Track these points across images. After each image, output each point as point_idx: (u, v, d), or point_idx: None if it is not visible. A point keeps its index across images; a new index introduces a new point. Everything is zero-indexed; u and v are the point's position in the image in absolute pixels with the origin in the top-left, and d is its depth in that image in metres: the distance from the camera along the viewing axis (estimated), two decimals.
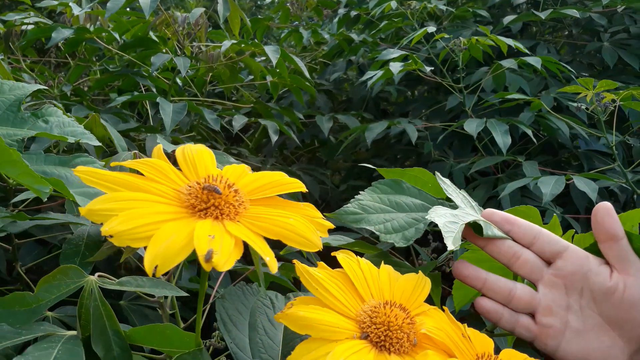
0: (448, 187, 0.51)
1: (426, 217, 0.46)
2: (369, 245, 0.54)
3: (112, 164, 0.39)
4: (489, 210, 0.49)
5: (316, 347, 0.37)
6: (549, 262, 0.47)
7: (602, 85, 0.89)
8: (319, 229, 0.38)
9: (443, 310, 0.45)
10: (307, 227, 0.36)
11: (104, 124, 0.78)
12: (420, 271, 0.46)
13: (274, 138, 1.03)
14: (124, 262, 0.65)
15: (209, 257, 0.31)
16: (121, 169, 0.40)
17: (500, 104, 1.18)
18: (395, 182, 0.53)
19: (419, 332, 0.39)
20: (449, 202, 0.52)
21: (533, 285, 0.48)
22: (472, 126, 1.03)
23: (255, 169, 1.23)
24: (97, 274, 0.46)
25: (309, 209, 0.40)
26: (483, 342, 0.43)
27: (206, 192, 0.36)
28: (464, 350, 0.41)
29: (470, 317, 0.90)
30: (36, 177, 0.44)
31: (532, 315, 0.47)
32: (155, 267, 0.31)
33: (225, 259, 0.31)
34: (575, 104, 0.94)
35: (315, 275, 0.40)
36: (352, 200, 0.51)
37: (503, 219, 0.48)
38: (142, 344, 0.46)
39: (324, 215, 0.41)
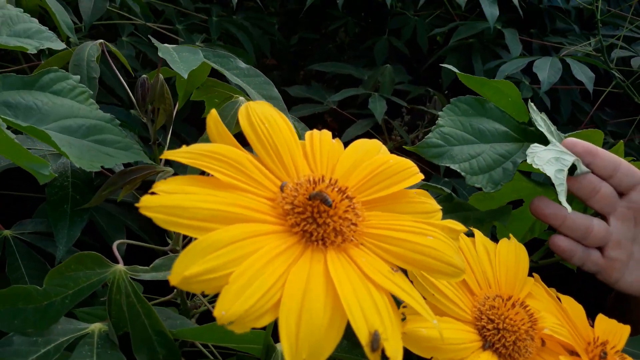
0: (537, 115, 0.46)
1: (527, 159, 0.40)
2: (432, 186, 0.46)
3: (164, 155, 0.26)
4: (572, 140, 0.45)
5: None
6: (621, 194, 0.45)
7: None
8: (452, 235, 0.30)
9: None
10: (451, 246, 0.28)
11: None
12: (512, 236, 0.40)
13: None
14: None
15: (377, 346, 0.22)
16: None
17: None
18: (477, 101, 0.47)
19: (542, 332, 0.34)
20: (529, 127, 0.48)
21: (603, 218, 0.45)
22: None
23: (201, 21, 1.06)
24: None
25: (425, 199, 0.31)
26: (577, 312, 0.40)
27: (316, 205, 0.26)
28: (576, 339, 0.37)
29: None
30: (31, 157, 0.31)
31: (600, 249, 0.45)
32: None
33: (397, 346, 0.23)
34: None
35: (430, 278, 0.32)
36: (432, 128, 0.45)
37: (585, 150, 0.44)
38: (196, 340, 0.38)
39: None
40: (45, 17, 0.71)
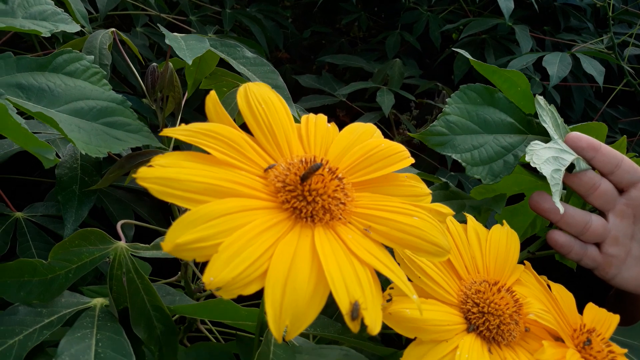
0: (543, 111, 0.46)
1: (526, 156, 0.41)
2: (427, 175, 0.47)
3: (163, 132, 0.27)
4: (576, 134, 0.45)
5: (427, 351, 0.32)
6: (621, 191, 0.45)
7: None
8: (439, 218, 0.31)
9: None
10: (437, 227, 0.29)
11: None
12: (505, 223, 0.41)
13: None
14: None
15: (356, 315, 0.23)
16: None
17: None
18: (486, 90, 0.48)
19: (527, 317, 0.35)
20: (535, 119, 0.49)
21: (602, 214, 0.46)
22: None
23: (215, 13, 1.07)
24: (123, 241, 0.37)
25: (415, 183, 0.32)
26: (567, 299, 0.40)
27: (307, 185, 0.27)
28: (562, 325, 0.37)
29: None
30: (37, 141, 0.32)
31: (598, 245, 0.46)
32: (286, 329, 0.23)
33: (376, 316, 0.24)
34: None
35: (417, 261, 0.33)
36: (439, 115, 0.45)
37: (589, 145, 0.44)
38: (194, 316, 0.39)
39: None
40: (60, 7, 0.73)
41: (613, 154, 0.44)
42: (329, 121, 0.34)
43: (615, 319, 0.41)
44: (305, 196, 0.27)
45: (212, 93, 0.31)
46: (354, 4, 1.08)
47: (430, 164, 0.97)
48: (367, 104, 1.01)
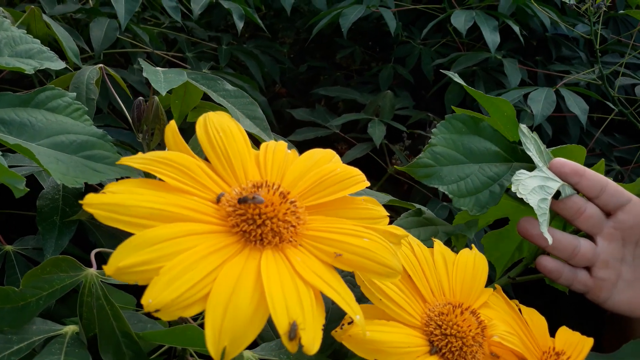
0: (527, 139, 0.46)
1: (512, 187, 0.41)
2: (401, 202, 0.48)
3: (120, 161, 0.28)
4: (560, 160, 0.45)
5: None
6: (608, 214, 0.45)
7: None
8: (393, 240, 0.31)
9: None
10: (387, 249, 0.29)
11: (47, 21, 0.63)
12: (474, 247, 0.41)
13: (240, 25, 0.89)
14: None
15: (294, 335, 0.24)
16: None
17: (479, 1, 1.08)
18: (471, 119, 0.48)
19: (492, 339, 0.35)
20: (520, 146, 0.49)
21: (590, 238, 0.46)
22: (459, 20, 0.93)
23: (212, 49, 1.10)
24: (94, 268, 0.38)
25: (372, 206, 0.33)
26: (538, 322, 0.40)
27: (254, 207, 0.28)
28: (530, 348, 0.37)
29: None
30: (7, 172, 0.33)
31: (588, 269, 0.45)
32: (224, 350, 0.24)
33: (313, 336, 0.24)
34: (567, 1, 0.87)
35: (378, 283, 0.34)
36: (425, 147, 0.45)
37: (573, 171, 0.45)
38: (161, 342, 0.40)
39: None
40: (54, 45, 0.76)
41: (597, 178, 0.45)
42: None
43: (589, 342, 0.40)
44: (255, 219, 0.28)
45: (172, 123, 0.32)
46: (345, 38, 1.10)
47: (424, 194, 0.98)
48: (359, 135, 1.02)
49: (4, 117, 0.45)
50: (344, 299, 0.26)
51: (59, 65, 0.53)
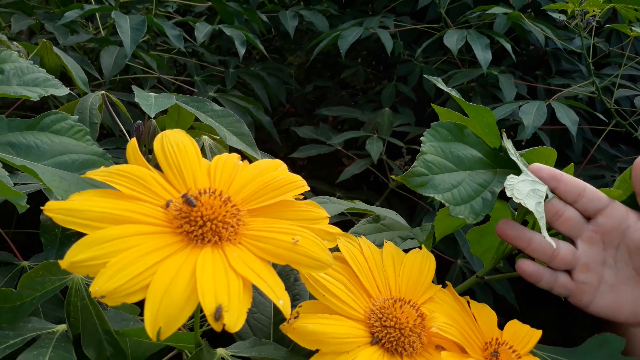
0: (508, 143, 0.48)
1: (506, 192, 0.42)
2: (362, 209, 0.51)
3: (85, 174, 0.33)
4: (537, 165, 0.46)
5: None
6: (588, 218, 0.45)
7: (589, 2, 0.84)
8: (327, 237, 0.35)
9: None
10: (317, 244, 0.33)
11: (58, 52, 0.69)
12: (424, 247, 0.45)
13: (242, 51, 0.94)
14: None
15: (218, 316, 0.28)
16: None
17: (478, 18, 1.11)
18: (456, 126, 0.49)
19: (430, 330, 0.38)
20: (500, 152, 0.50)
21: (570, 241, 0.46)
22: (452, 39, 0.97)
23: (220, 72, 1.15)
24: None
25: (312, 208, 0.37)
26: (486, 317, 0.43)
27: (196, 210, 0.32)
28: (472, 339, 0.40)
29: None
30: (9, 190, 0.38)
31: (569, 272, 0.46)
32: (159, 330, 0.28)
33: (237, 317, 0.28)
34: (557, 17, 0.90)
35: (321, 280, 0.37)
36: (417, 156, 0.46)
37: (550, 176, 0.45)
38: (138, 337, 0.44)
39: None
40: (65, 75, 0.82)
41: (575, 183, 0.45)
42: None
43: (537, 334, 0.43)
44: (197, 221, 0.32)
45: (132, 141, 0.36)
46: (342, 58, 1.14)
47: (423, 207, 1.01)
48: (360, 151, 1.06)
49: (13, 141, 0.50)
50: (270, 287, 0.30)
51: (63, 91, 0.59)
